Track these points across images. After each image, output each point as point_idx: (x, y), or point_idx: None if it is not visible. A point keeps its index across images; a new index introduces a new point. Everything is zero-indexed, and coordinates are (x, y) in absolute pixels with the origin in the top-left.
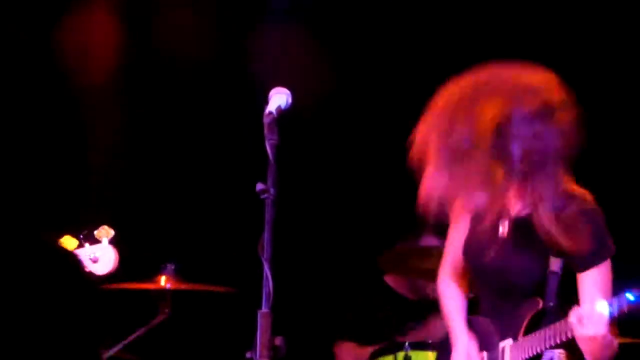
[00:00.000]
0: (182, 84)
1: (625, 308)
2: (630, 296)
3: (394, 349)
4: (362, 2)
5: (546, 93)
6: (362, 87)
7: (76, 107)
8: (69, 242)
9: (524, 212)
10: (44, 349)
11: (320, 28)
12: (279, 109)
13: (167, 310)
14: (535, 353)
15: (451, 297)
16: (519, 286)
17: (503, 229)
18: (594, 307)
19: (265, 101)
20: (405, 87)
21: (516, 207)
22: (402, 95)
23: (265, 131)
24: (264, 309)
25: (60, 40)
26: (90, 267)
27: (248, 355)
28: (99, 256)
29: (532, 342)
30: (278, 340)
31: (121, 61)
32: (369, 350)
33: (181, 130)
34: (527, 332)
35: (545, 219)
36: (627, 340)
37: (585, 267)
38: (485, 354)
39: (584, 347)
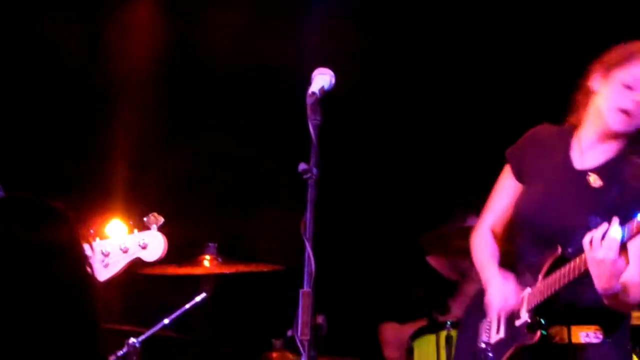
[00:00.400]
0: (225, 65)
1: (635, 229)
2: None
3: (436, 328)
4: None
5: None
6: (405, 69)
7: (120, 97)
8: (118, 227)
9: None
10: (35, 345)
11: (365, 10)
12: (322, 89)
13: (209, 289)
14: (551, 293)
15: (486, 246)
16: (570, 236)
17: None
18: (607, 231)
19: (308, 82)
20: (446, 68)
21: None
22: (444, 74)
23: (308, 111)
24: (306, 288)
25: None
26: (139, 253)
27: (289, 333)
28: (148, 242)
29: (549, 283)
30: (320, 319)
31: (163, 45)
32: (411, 329)
33: (225, 111)
34: (546, 277)
35: None
36: None
37: None
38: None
39: (593, 271)
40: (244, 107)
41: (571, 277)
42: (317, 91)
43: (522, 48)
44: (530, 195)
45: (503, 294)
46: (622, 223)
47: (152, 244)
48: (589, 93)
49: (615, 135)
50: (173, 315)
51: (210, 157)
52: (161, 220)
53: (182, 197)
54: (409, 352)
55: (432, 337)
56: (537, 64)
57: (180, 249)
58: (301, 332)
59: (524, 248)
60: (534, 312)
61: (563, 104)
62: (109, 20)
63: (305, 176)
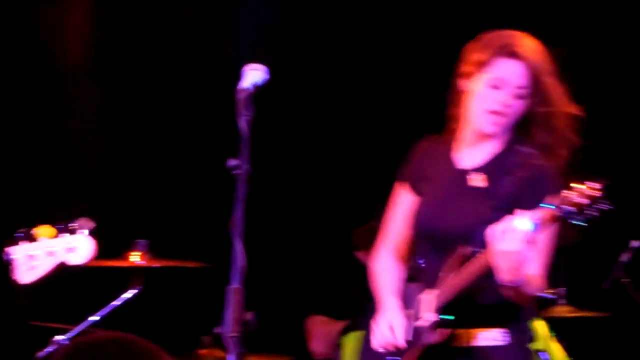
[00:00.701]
0: (155, 63)
1: (543, 219)
2: (545, 205)
3: (367, 324)
4: None
5: None
6: (334, 65)
7: (52, 90)
8: (45, 231)
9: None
10: None
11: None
12: (254, 84)
13: (138, 285)
14: (458, 290)
15: (387, 271)
16: (468, 238)
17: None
18: (512, 222)
19: (238, 78)
20: (378, 63)
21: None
22: (377, 69)
23: (239, 107)
24: (235, 285)
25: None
26: (66, 256)
27: (217, 330)
28: (76, 246)
29: (454, 282)
30: (248, 315)
31: (96, 43)
32: (340, 326)
33: (154, 108)
34: (448, 276)
35: None
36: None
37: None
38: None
39: (497, 263)
40: (173, 102)
41: (478, 273)
42: (249, 86)
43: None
44: (425, 205)
45: (388, 331)
46: (523, 214)
47: (80, 248)
48: (460, 93)
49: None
50: (101, 312)
51: (141, 154)
52: (91, 224)
53: (113, 193)
54: (338, 347)
55: (361, 334)
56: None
57: (110, 245)
58: (230, 328)
59: (429, 259)
60: (442, 311)
61: None
62: (41, 11)
63: (234, 172)
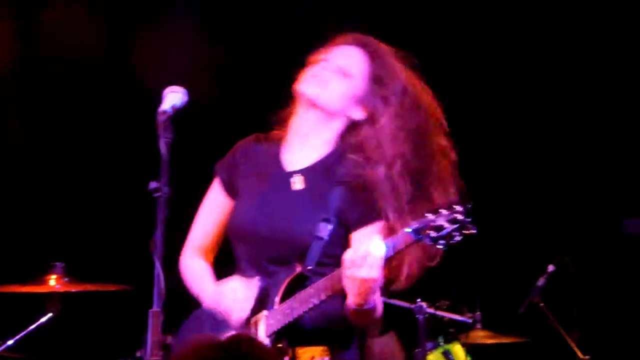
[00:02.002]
0: (72, 82)
1: (401, 243)
2: (407, 230)
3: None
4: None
5: None
6: (259, 84)
7: None
8: None
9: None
10: None
11: (213, 25)
12: (173, 107)
13: (55, 309)
14: (297, 315)
15: (199, 267)
16: (293, 247)
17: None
18: (369, 248)
19: (159, 100)
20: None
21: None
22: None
23: (159, 129)
24: (155, 308)
25: None
26: None
27: (138, 354)
28: None
29: (292, 306)
30: (169, 339)
31: (10, 61)
32: None
33: (73, 128)
34: (285, 298)
35: None
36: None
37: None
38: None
39: (351, 289)
40: (94, 123)
41: (323, 297)
42: (169, 109)
43: None
44: (241, 207)
45: (238, 300)
46: (341, 224)
47: None
48: (294, 95)
49: (323, 130)
50: (18, 336)
51: (59, 173)
52: None
53: (28, 214)
54: None
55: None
56: None
57: (25, 268)
58: (150, 352)
59: (251, 266)
60: (276, 336)
61: None
62: None
63: (155, 194)
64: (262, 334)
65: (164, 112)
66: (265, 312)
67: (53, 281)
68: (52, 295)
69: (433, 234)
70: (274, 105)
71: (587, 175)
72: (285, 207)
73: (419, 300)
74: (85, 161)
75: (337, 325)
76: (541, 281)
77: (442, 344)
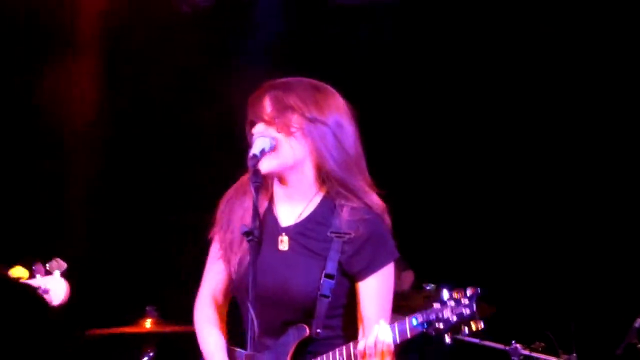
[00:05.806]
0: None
1: (407, 334)
2: (414, 321)
3: None
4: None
5: None
6: None
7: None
8: (19, 272)
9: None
10: None
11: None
12: (262, 151)
13: (151, 351)
14: None
15: (208, 324)
16: (293, 305)
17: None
18: (378, 337)
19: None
20: None
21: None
22: None
23: (250, 174)
24: (249, 352)
25: None
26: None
27: None
28: (50, 288)
29: None
30: None
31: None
32: None
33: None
34: None
35: None
36: None
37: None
38: None
39: None
40: (190, 163)
41: None
42: (257, 153)
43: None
44: (238, 266)
45: None
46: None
47: (54, 290)
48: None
49: (301, 181)
50: None
51: (142, 216)
52: (64, 265)
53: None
54: None
55: None
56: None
57: (116, 312)
58: None
59: (259, 323)
60: None
61: None
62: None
63: (247, 239)
64: None
65: (254, 156)
66: None
67: (149, 324)
68: (147, 337)
69: (439, 325)
70: None
71: None
72: (277, 269)
73: (513, 342)
74: (172, 205)
75: None
76: (638, 322)
77: None
